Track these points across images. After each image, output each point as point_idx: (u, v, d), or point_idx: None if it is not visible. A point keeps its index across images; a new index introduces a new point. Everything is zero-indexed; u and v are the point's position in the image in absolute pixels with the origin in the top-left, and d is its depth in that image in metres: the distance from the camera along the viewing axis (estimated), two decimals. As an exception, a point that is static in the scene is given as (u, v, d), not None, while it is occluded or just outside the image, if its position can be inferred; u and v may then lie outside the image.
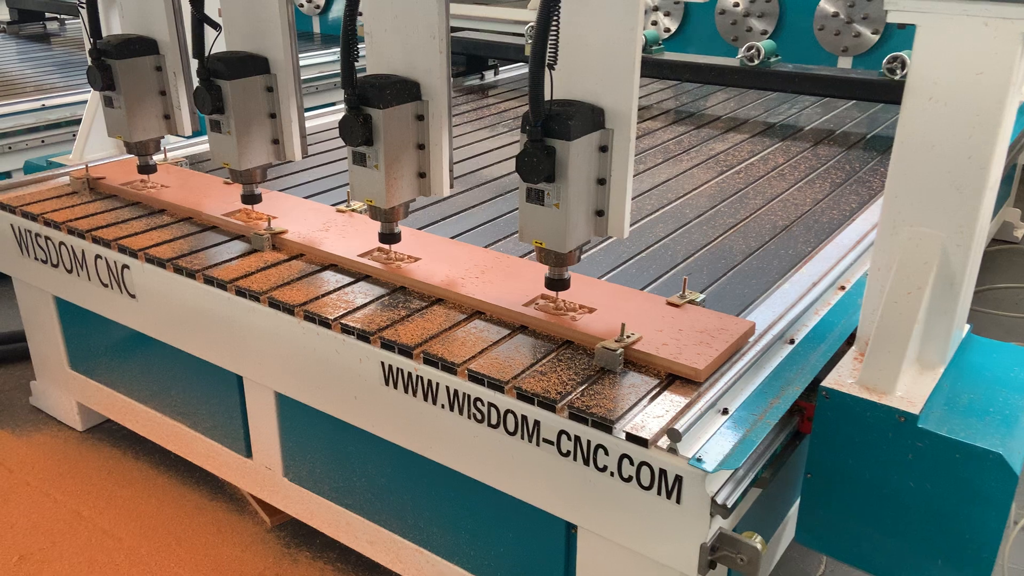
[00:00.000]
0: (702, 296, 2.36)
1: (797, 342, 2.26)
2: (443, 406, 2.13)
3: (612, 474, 1.89)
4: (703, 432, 1.87)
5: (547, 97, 1.99)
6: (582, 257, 2.21)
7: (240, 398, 2.70)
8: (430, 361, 2.12)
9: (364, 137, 2.29)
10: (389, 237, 2.53)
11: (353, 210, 2.94)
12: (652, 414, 1.91)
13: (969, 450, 1.87)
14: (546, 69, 1.95)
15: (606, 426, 1.87)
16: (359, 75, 2.28)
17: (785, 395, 2.02)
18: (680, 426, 1.80)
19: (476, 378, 2.05)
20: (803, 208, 3.21)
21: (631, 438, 1.84)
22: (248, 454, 2.78)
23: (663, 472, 1.82)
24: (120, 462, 3.25)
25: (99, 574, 2.73)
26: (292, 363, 2.43)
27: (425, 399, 2.16)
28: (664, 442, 1.82)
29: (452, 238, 2.83)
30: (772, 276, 2.63)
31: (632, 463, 1.85)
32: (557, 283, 2.22)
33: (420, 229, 2.92)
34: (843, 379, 2.05)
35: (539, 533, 2.15)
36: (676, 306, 2.30)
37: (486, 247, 2.76)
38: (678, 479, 1.80)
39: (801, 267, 2.70)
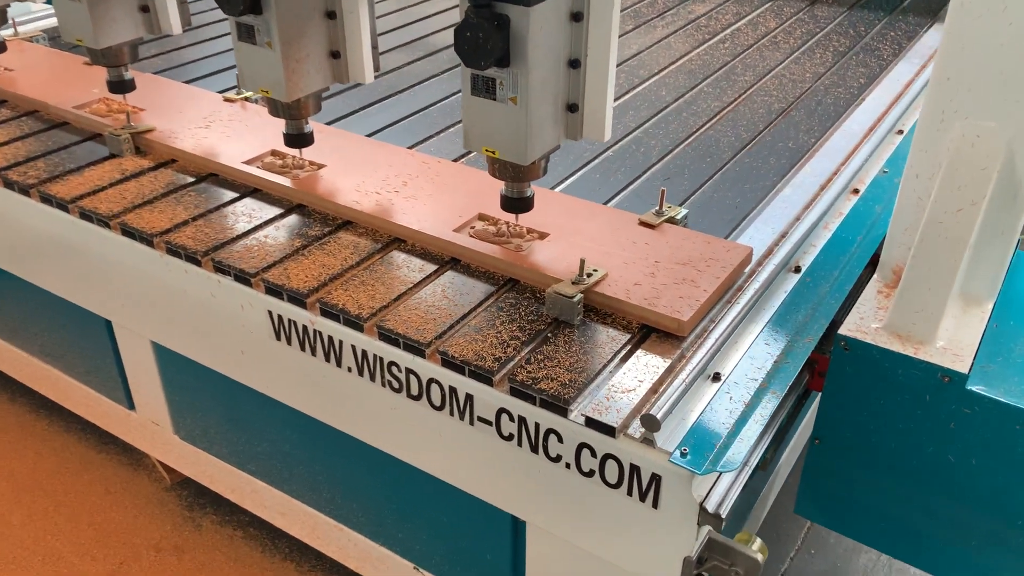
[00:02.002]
0: (684, 211, 1.85)
1: (804, 269, 1.77)
2: (350, 369, 1.63)
3: (568, 466, 1.43)
4: (688, 410, 1.40)
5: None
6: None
7: (112, 344, 2.18)
8: (329, 313, 1.61)
9: (247, 1, 1.68)
10: (296, 139, 1.96)
11: (245, 98, 2.33)
12: (620, 387, 1.43)
13: (1033, 420, 1.43)
14: None
15: (560, 407, 1.39)
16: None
17: (794, 350, 1.54)
18: (658, 410, 1.33)
19: (389, 338, 1.54)
20: (802, 86, 2.65)
21: (593, 424, 1.37)
22: (131, 406, 2.29)
23: (635, 469, 1.35)
24: (-7, 406, 2.75)
25: (-41, 553, 2.28)
26: (162, 307, 1.90)
27: (327, 360, 1.65)
28: (637, 430, 1.35)
29: (370, 135, 2.25)
30: (769, 178, 2.11)
31: (594, 455, 1.39)
32: (516, 203, 1.68)
33: (331, 124, 2.33)
34: (867, 323, 1.57)
35: (480, 523, 1.71)
36: (651, 227, 1.78)
37: (413, 147, 2.20)
38: (655, 479, 1.34)
39: (804, 164, 2.18)
